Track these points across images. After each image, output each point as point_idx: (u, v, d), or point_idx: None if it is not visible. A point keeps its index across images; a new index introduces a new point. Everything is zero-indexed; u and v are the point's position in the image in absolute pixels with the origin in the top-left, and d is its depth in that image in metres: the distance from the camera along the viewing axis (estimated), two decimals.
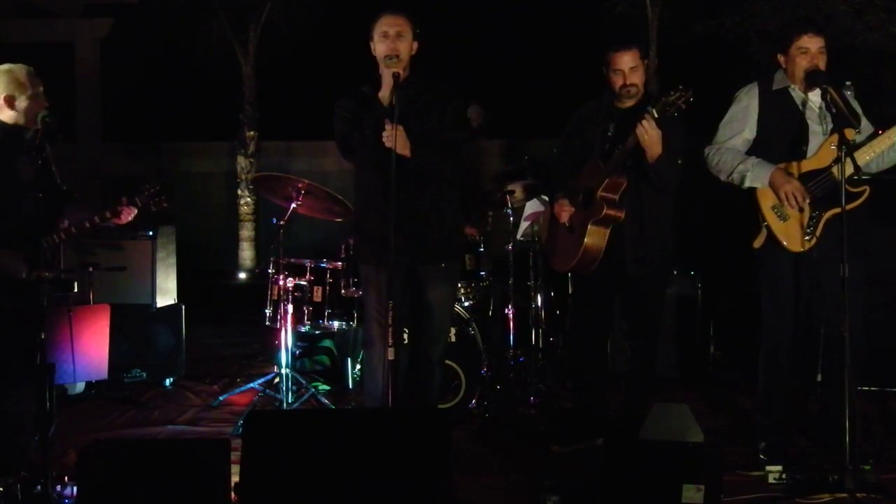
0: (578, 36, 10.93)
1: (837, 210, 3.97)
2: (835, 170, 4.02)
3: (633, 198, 4.35)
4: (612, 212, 4.32)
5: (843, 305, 3.84)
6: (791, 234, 4.15)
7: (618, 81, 4.37)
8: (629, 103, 4.42)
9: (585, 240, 4.37)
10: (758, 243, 4.24)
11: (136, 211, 4.13)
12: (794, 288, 4.24)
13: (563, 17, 13.15)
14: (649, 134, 4.11)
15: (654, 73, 10.67)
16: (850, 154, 3.86)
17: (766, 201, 4.19)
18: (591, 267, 4.43)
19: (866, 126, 4.26)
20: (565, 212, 4.52)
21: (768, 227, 4.19)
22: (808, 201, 4.09)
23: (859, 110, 4.24)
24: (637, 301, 4.53)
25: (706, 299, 6.05)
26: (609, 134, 4.42)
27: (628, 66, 4.34)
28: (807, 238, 4.13)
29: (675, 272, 5.97)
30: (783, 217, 4.16)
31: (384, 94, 4.04)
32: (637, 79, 4.37)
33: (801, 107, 4.21)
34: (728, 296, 6.43)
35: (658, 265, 4.49)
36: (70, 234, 4.06)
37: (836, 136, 4.00)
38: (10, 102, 3.95)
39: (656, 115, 4.08)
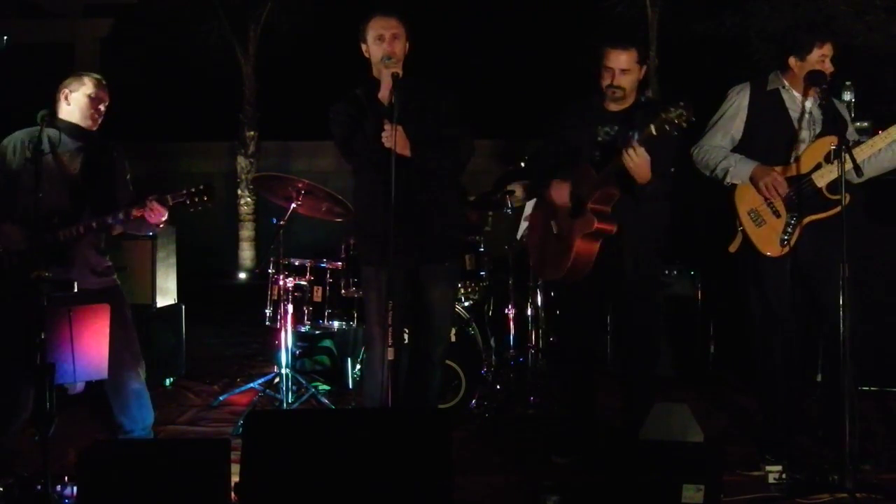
0: (578, 36, 10.93)
1: (815, 216, 4.04)
2: (814, 176, 4.06)
3: (628, 203, 4.14)
4: (603, 226, 4.12)
5: (838, 306, 3.84)
6: (766, 238, 4.15)
7: (605, 79, 4.16)
8: (614, 107, 4.23)
9: (574, 253, 4.16)
10: (733, 247, 4.25)
11: (165, 211, 4.07)
12: (774, 288, 4.23)
13: (563, 17, 13.16)
14: (636, 162, 3.91)
15: (654, 72, 10.70)
16: (849, 152, 3.85)
17: (744, 205, 4.19)
18: (580, 276, 4.25)
19: (852, 134, 4.29)
20: (564, 192, 4.23)
21: (744, 232, 4.19)
22: (785, 205, 4.10)
23: (848, 118, 4.28)
24: (634, 305, 4.37)
25: (706, 299, 6.05)
26: (599, 139, 4.23)
27: (620, 67, 4.12)
28: (782, 243, 4.13)
29: (676, 272, 5.98)
30: (759, 222, 4.17)
31: (383, 94, 4.00)
32: (626, 83, 4.14)
33: (790, 110, 4.22)
34: (728, 296, 6.41)
35: (654, 267, 4.41)
36: (90, 229, 4.08)
37: (819, 142, 4.07)
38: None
39: (654, 133, 3.85)
